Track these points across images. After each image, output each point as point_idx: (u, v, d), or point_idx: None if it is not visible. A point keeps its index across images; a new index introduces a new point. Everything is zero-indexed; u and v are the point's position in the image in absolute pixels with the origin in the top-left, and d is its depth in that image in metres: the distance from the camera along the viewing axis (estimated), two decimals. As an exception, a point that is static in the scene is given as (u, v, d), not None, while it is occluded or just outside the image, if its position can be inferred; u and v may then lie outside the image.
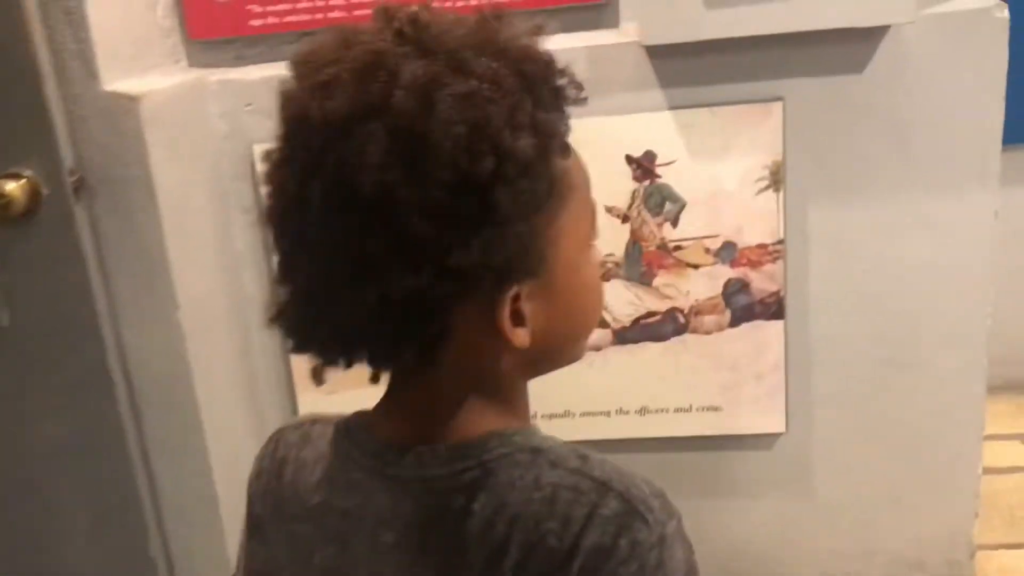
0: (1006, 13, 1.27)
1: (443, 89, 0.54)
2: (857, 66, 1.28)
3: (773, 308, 1.38)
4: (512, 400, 0.66)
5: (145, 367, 1.27)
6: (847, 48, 1.28)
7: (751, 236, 1.35)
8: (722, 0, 1.23)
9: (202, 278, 1.33)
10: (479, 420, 0.63)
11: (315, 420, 0.71)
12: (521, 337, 0.59)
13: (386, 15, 0.59)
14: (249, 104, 1.37)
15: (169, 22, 1.35)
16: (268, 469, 0.70)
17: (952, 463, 1.48)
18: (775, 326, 1.38)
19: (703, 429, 1.44)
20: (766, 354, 1.40)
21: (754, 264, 1.36)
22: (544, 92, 0.59)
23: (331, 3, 1.33)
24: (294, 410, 1.49)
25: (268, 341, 1.47)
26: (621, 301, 1.40)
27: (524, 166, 0.56)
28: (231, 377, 1.42)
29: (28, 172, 1.13)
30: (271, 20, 1.35)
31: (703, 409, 1.43)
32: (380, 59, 0.56)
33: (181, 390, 1.29)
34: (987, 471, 1.50)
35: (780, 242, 1.35)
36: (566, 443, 0.64)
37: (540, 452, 0.62)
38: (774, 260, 1.36)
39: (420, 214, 0.54)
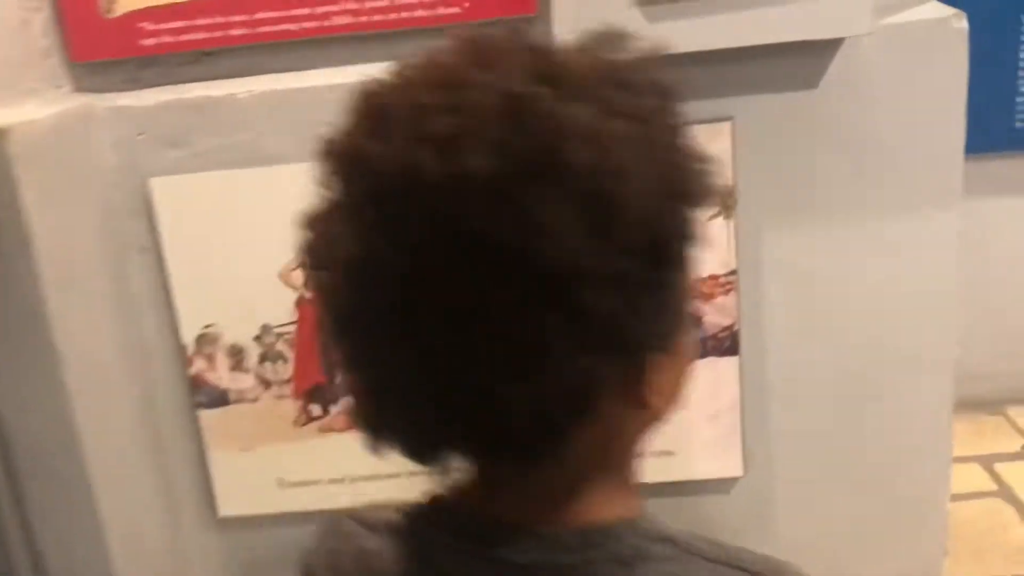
0: (965, 23, 1.19)
1: (614, 137, 0.46)
2: (811, 81, 1.19)
3: (726, 343, 1.27)
4: (630, 474, 0.60)
5: (23, 434, 1.12)
6: (800, 63, 1.18)
7: (701, 267, 1.24)
8: (664, 13, 1.12)
9: (92, 329, 1.18)
10: (603, 500, 0.57)
11: (371, 508, 0.65)
12: (657, 403, 0.55)
13: (481, 48, 0.49)
14: (142, 133, 1.22)
15: (47, 42, 1.20)
16: (327, 564, 0.62)
17: (920, 499, 1.39)
18: (729, 363, 1.28)
19: (656, 475, 1.31)
20: (720, 393, 1.29)
21: (705, 297, 1.25)
22: (682, 129, 0.51)
23: (232, 20, 1.19)
24: (205, 468, 1.34)
25: (173, 393, 1.32)
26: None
27: (700, 220, 0.51)
28: (131, 437, 1.27)
29: None
30: (166, 39, 1.21)
31: (655, 454, 1.31)
32: (524, 104, 0.46)
33: (67, 457, 1.14)
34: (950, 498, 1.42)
35: (732, 272, 1.24)
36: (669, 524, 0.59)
37: (672, 541, 0.57)
38: (726, 292, 1.25)
39: (605, 284, 0.46)
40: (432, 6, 1.17)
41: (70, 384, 1.12)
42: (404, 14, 1.18)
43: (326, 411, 1.32)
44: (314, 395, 1.32)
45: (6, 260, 1.05)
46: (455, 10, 1.18)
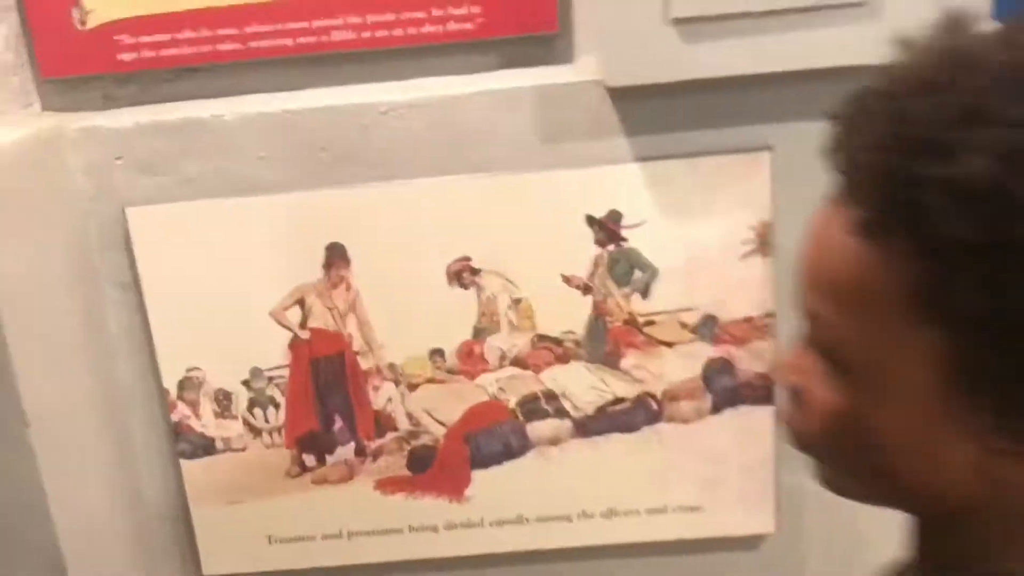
0: None
1: None
2: (858, 108, 1.08)
3: (762, 391, 1.17)
4: None
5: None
6: (847, 89, 1.07)
7: (735, 309, 1.14)
8: (702, 33, 1.01)
9: (62, 378, 1.06)
10: None
11: None
12: None
13: None
14: (119, 157, 1.10)
15: (13, 56, 1.08)
16: None
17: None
18: (764, 412, 1.17)
19: (681, 532, 1.22)
20: (753, 444, 1.19)
21: (739, 341, 1.15)
22: None
23: (220, 33, 1.07)
24: (188, 524, 1.22)
25: (152, 443, 1.20)
26: (583, 386, 1.17)
27: None
28: (106, 493, 1.15)
29: None
30: (146, 54, 1.09)
31: (681, 509, 1.21)
32: None
33: (35, 522, 1.02)
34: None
35: (769, 315, 1.14)
36: None
37: None
38: (763, 336, 1.15)
39: None
40: (443, 21, 1.06)
41: (37, 444, 1.00)
42: (411, 30, 1.07)
43: (321, 461, 1.21)
44: (308, 443, 1.20)
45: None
46: (467, 26, 1.07)
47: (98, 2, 1.07)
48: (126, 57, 1.09)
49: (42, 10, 1.07)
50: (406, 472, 1.21)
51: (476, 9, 1.05)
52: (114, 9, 1.08)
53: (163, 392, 1.18)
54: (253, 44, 1.08)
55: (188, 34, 1.08)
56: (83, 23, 1.08)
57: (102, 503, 1.14)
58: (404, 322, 1.16)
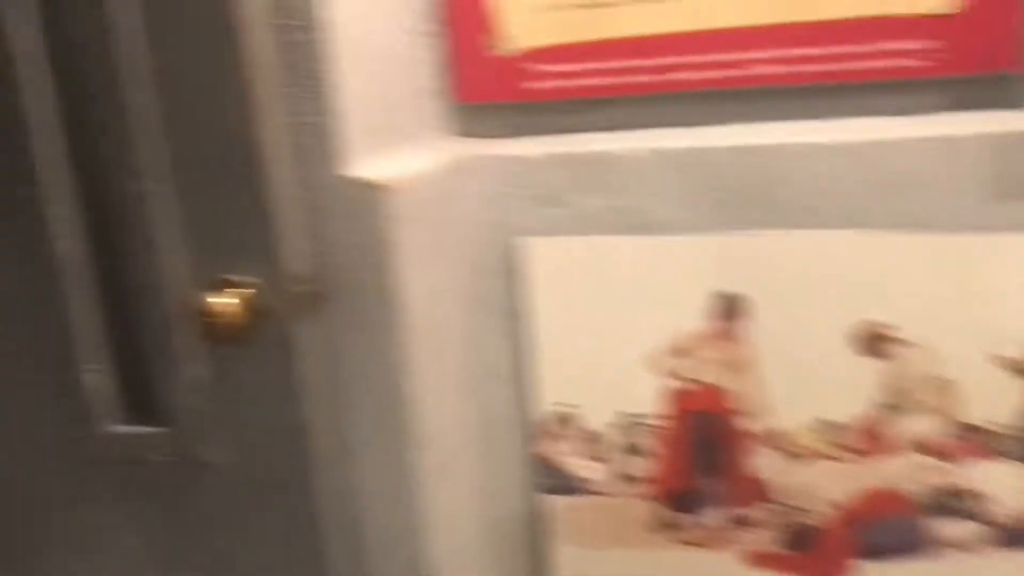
0: None
1: None
2: None
3: None
4: None
5: (375, 519, 1.02)
6: None
7: None
8: None
9: (447, 406, 1.07)
10: None
11: None
12: None
13: None
14: (518, 186, 1.09)
15: (433, 83, 1.10)
16: None
17: None
18: None
19: None
20: None
21: None
22: None
23: (634, 64, 1.02)
24: (546, 560, 1.19)
25: (517, 474, 1.19)
26: (1009, 488, 0.99)
27: None
28: (472, 521, 1.15)
29: (246, 281, 0.90)
30: (558, 83, 1.07)
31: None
32: None
33: (406, 546, 1.03)
34: None
35: None
36: None
37: None
38: None
39: None
40: (890, 56, 0.93)
41: (425, 469, 1.00)
42: (848, 65, 0.95)
43: (688, 521, 1.12)
44: (675, 500, 1.13)
45: (381, 328, 0.95)
46: (915, 63, 0.93)
47: (516, 30, 1.06)
48: (537, 86, 1.07)
49: (462, 37, 1.08)
50: (781, 549, 1.09)
51: (933, 44, 0.91)
52: (530, 38, 1.06)
53: (531, 423, 1.15)
54: (669, 76, 1.01)
55: (602, 64, 1.04)
56: (498, 48, 1.08)
57: (467, 528, 1.15)
58: (796, 386, 1.05)
